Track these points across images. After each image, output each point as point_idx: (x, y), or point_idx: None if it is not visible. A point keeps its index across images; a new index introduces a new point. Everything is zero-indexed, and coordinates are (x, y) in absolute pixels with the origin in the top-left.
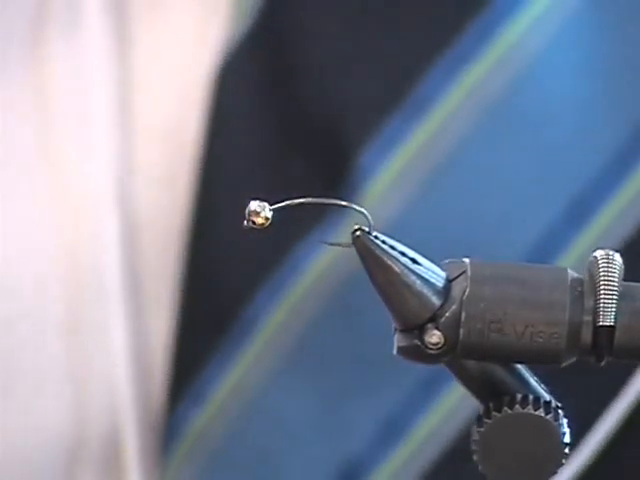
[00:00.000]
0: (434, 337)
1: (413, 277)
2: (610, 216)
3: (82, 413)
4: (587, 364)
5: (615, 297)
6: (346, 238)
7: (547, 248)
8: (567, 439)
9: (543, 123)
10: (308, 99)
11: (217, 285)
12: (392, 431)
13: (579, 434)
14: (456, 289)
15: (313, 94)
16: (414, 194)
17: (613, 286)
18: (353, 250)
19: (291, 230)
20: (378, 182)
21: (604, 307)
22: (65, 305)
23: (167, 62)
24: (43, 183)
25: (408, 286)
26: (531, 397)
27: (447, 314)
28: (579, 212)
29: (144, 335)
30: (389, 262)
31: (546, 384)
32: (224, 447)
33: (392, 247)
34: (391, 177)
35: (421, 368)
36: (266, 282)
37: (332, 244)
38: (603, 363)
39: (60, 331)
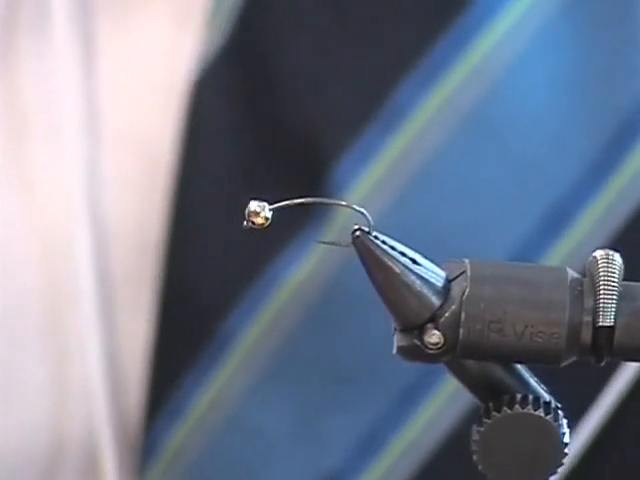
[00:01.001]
0: (434, 337)
1: (413, 277)
2: (586, 226)
3: (60, 424)
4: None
5: (615, 297)
6: (345, 238)
7: (524, 258)
8: (567, 439)
9: (519, 132)
10: (283, 110)
11: (194, 299)
12: (370, 444)
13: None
14: (456, 289)
15: (288, 105)
16: (390, 204)
17: (613, 286)
18: (329, 263)
19: (268, 244)
20: (354, 193)
21: (604, 307)
22: (41, 314)
23: (137, 72)
24: (15, 193)
25: (408, 286)
26: (531, 397)
27: (447, 314)
28: (555, 221)
29: (120, 348)
30: (389, 262)
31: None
32: (202, 461)
33: (392, 247)
34: (367, 188)
35: (399, 381)
36: (243, 296)
37: (332, 244)
38: (603, 363)
39: (37, 340)
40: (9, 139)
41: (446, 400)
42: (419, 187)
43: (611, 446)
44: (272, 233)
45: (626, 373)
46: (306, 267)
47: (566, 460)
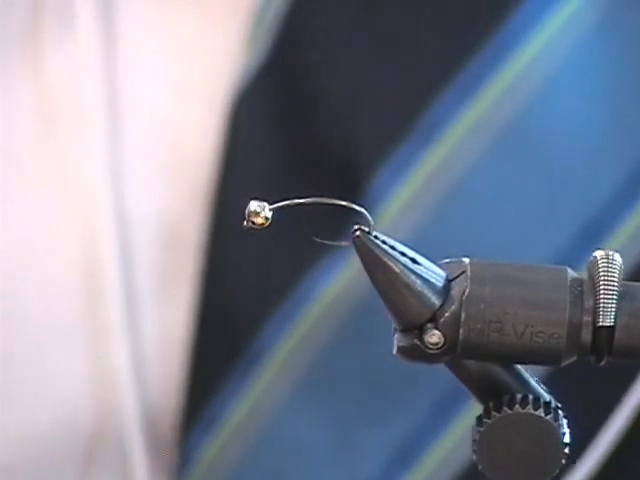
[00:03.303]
0: (434, 337)
1: (413, 277)
2: (621, 240)
3: (96, 415)
4: (591, 368)
5: (615, 297)
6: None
7: None
8: (567, 439)
9: (554, 147)
10: (320, 127)
11: (231, 310)
12: (405, 456)
13: (585, 439)
14: (456, 289)
15: (325, 121)
16: (426, 218)
17: (613, 286)
18: (365, 276)
19: (304, 257)
20: (390, 207)
21: (604, 307)
22: (74, 304)
23: (159, 62)
24: (43, 185)
25: (408, 286)
26: (531, 397)
27: (447, 314)
28: (590, 236)
29: (147, 340)
30: (389, 262)
31: (551, 387)
32: (238, 473)
33: (392, 247)
34: (403, 202)
35: (434, 393)
36: (279, 308)
37: (332, 244)
38: (603, 363)
39: (69, 331)
40: (38, 125)
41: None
42: (455, 202)
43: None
44: (309, 245)
45: None
46: (342, 279)
47: (568, 461)
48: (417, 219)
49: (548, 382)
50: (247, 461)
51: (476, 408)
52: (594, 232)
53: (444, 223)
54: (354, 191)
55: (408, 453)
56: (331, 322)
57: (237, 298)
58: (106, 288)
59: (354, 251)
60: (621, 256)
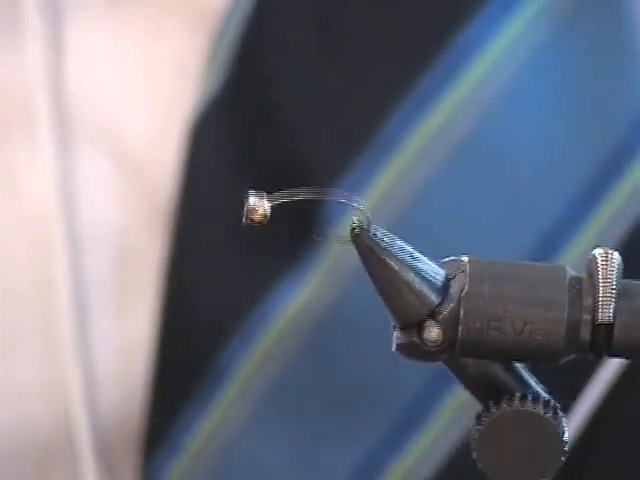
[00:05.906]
0: (433, 334)
1: (412, 274)
2: (578, 251)
3: (52, 424)
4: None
5: (613, 295)
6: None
7: None
8: (566, 437)
9: (509, 160)
10: (280, 144)
11: (190, 333)
12: (369, 472)
13: None
14: (455, 286)
15: (283, 143)
16: None
17: (611, 284)
18: (325, 294)
19: (265, 275)
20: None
21: (602, 305)
22: (30, 315)
23: (107, 74)
24: None
25: (407, 283)
26: (530, 395)
27: (446, 311)
28: (548, 247)
29: (95, 351)
30: (388, 259)
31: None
32: None
33: (391, 244)
34: None
35: (397, 409)
36: (240, 327)
37: (331, 241)
38: (601, 361)
39: (26, 339)
40: None
41: (444, 427)
42: (411, 218)
43: (596, 441)
44: (269, 263)
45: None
46: (302, 297)
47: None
48: None
49: None
50: None
51: (438, 424)
52: (552, 243)
53: (401, 238)
54: (312, 208)
55: (371, 470)
56: (292, 340)
57: (197, 319)
58: (58, 300)
59: (313, 268)
60: (577, 267)
